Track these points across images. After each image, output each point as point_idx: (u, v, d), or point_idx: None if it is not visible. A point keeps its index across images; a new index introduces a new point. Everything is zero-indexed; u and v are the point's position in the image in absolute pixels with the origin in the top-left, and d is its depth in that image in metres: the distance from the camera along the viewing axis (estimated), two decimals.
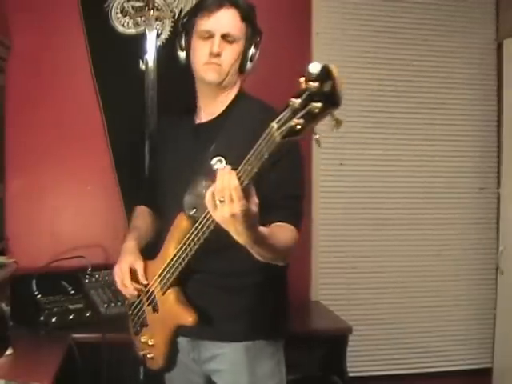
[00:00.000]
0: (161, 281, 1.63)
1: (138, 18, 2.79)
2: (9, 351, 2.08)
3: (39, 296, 2.41)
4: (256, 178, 1.19)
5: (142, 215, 1.91)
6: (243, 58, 1.62)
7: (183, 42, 1.65)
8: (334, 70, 1.02)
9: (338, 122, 1.08)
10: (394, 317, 3.15)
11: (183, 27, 1.66)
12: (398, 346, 3.16)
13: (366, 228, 3.12)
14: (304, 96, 1.05)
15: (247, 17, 1.60)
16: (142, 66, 2.71)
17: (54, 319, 2.34)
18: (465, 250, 3.25)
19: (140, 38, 2.75)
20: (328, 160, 3.08)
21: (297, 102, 1.06)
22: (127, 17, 2.80)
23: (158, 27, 2.79)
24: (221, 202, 1.22)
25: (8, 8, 2.68)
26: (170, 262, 1.58)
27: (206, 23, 1.58)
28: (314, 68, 1.03)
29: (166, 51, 2.74)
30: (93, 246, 2.70)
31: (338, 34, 3.08)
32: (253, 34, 1.62)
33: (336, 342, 2.59)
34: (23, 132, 2.74)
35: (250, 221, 1.24)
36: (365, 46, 3.09)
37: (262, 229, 1.32)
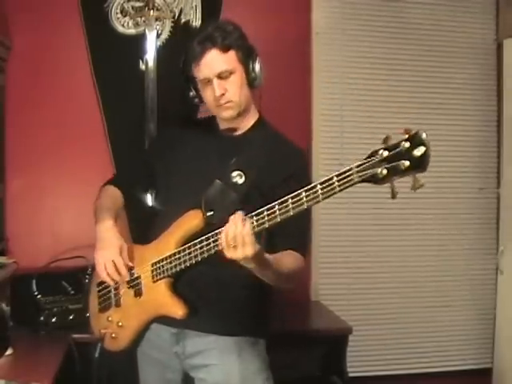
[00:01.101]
0: (155, 269, 1.64)
1: (138, 18, 2.79)
2: (9, 351, 2.09)
3: (39, 296, 2.41)
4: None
5: (114, 197, 1.85)
6: (248, 78, 1.67)
7: (193, 91, 1.73)
8: (426, 138, 1.17)
9: (418, 185, 1.24)
10: (394, 317, 3.16)
11: (186, 79, 1.72)
12: (398, 346, 3.16)
13: (366, 228, 3.12)
14: (394, 151, 1.19)
15: (231, 44, 1.64)
16: (142, 66, 2.72)
17: (53, 319, 2.34)
18: (465, 250, 3.25)
19: (140, 38, 2.75)
20: (328, 160, 3.08)
21: (385, 153, 1.20)
22: (127, 17, 2.80)
23: (157, 27, 2.79)
24: (233, 246, 1.35)
25: (8, 8, 2.69)
26: (174, 254, 1.59)
27: (199, 73, 1.65)
28: (408, 131, 1.17)
29: (166, 51, 2.75)
30: (93, 246, 2.67)
31: (338, 34, 3.08)
32: (246, 53, 1.66)
33: (336, 342, 2.59)
34: (23, 132, 2.74)
35: (260, 256, 1.39)
36: (364, 45, 3.09)
37: (268, 256, 1.44)
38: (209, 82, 1.64)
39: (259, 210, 1.36)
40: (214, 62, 1.62)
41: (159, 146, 1.87)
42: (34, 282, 2.43)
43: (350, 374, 2.61)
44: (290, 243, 1.59)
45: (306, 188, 1.30)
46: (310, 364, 2.58)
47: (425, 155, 1.19)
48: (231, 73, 1.64)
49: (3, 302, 2.26)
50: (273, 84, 2.87)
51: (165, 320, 1.66)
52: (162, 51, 2.75)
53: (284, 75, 2.95)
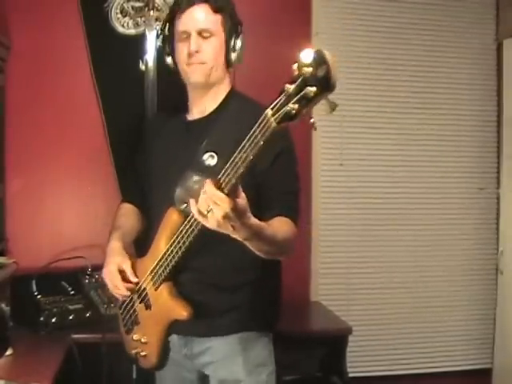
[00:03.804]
0: (153, 276, 1.63)
1: (138, 19, 2.79)
2: (9, 351, 2.09)
3: (39, 296, 2.41)
4: (250, 166, 1.22)
5: (126, 214, 1.87)
6: (226, 49, 1.63)
7: (167, 47, 1.69)
8: (328, 55, 1.06)
9: (333, 106, 1.10)
10: (394, 317, 3.15)
11: (166, 32, 1.69)
12: (397, 346, 3.16)
13: (366, 228, 3.12)
14: (298, 81, 1.10)
15: (221, 8, 1.60)
16: (142, 66, 2.71)
17: (53, 319, 2.34)
18: (465, 250, 3.25)
19: (140, 38, 2.75)
20: (328, 160, 3.08)
21: (291, 87, 1.11)
22: (127, 17, 2.80)
23: (157, 27, 2.79)
24: (208, 212, 1.26)
25: (8, 8, 2.69)
26: (162, 257, 1.58)
27: (181, 24, 1.60)
28: (307, 55, 1.07)
29: None
30: (93, 246, 2.69)
31: (338, 34, 3.08)
32: (232, 23, 1.62)
33: (336, 342, 2.59)
34: (23, 132, 2.74)
35: (243, 215, 1.27)
36: (365, 46, 3.09)
37: (257, 221, 1.35)
38: (187, 37, 1.59)
39: (224, 169, 1.27)
40: (200, 16, 1.58)
41: (138, 149, 1.84)
42: (33, 282, 2.43)
43: (350, 374, 2.60)
44: (278, 210, 1.53)
45: (237, 151, 1.23)
46: (309, 364, 2.58)
47: (328, 73, 1.05)
48: (212, 35, 1.59)
49: (3, 302, 2.26)
50: (273, 84, 2.88)
51: (172, 328, 1.65)
52: (161, 51, 2.74)
53: (284, 75, 2.95)
